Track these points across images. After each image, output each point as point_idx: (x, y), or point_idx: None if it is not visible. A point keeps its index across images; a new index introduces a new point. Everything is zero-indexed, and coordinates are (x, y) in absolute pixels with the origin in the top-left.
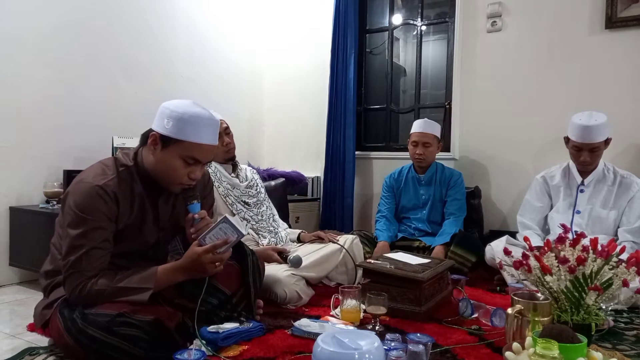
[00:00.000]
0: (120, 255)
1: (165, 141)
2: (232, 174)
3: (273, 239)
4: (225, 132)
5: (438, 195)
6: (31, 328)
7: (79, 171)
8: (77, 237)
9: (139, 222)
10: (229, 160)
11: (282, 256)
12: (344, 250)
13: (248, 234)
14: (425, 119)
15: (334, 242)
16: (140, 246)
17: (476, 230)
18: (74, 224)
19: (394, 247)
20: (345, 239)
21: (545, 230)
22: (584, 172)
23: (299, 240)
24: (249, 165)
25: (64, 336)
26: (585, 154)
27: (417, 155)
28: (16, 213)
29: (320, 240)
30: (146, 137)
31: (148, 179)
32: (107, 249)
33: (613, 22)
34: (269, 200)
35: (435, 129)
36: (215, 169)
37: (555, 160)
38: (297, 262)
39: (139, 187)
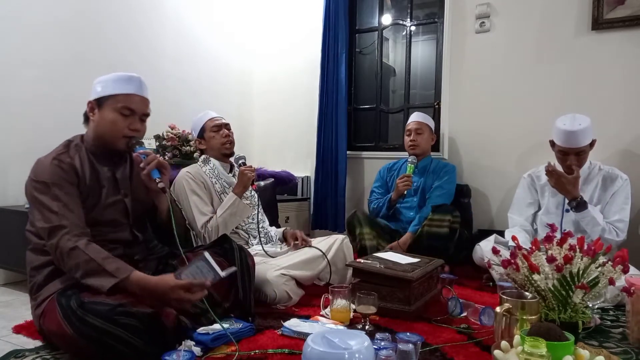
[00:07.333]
0: (94, 224)
1: (100, 103)
2: (230, 174)
3: (263, 239)
4: (225, 126)
5: (429, 184)
6: (17, 330)
7: None
8: (49, 201)
9: (98, 188)
10: (228, 155)
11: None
12: (326, 258)
13: (236, 231)
14: (420, 112)
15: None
16: (109, 214)
17: (465, 229)
18: (40, 190)
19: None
20: (335, 239)
21: (534, 229)
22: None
23: (284, 236)
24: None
25: (62, 326)
26: (572, 158)
27: (411, 142)
28: (1, 214)
29: (295, 242)
30: (86, 112)
31: (97, 150)
32: (79, 204)
33: (599, 23)
34: (262, 209)
35: (429, 120)
36: (214, 166)
37: (543, 160)
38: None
39: (92, 157)
